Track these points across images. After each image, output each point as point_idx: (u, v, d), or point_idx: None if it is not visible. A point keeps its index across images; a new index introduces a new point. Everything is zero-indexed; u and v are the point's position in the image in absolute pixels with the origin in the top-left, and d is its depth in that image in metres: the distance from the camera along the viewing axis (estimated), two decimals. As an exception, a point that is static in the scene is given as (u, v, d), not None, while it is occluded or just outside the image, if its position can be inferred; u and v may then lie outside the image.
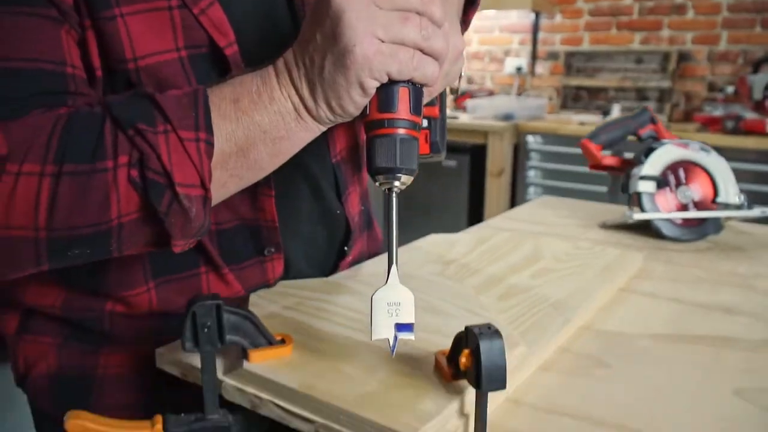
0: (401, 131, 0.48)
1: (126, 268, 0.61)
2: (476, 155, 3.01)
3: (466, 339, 0.45)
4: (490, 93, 3.57)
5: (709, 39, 3.02)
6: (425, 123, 0.60)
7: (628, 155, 1.07)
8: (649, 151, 1.00)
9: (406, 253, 0.84)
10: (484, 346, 0.43)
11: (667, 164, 0.99)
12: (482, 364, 0.43)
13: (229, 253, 0.65)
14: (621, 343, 0.63)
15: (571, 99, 3.34)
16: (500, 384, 0.43)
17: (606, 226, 1.06)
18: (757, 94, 2.55)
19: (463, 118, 3.15)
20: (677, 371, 0.57)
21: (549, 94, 3.47)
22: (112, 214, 0.48)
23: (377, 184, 0.50)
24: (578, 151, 3.03)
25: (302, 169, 0.68)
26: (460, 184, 3.02)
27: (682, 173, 1.00)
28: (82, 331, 0.64)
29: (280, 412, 0.49)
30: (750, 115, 2.51)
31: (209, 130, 0.49)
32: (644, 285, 0.80)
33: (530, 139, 2.98)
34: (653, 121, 1.07)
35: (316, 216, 0.71)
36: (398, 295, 0.47)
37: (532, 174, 3.01)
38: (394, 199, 0.49)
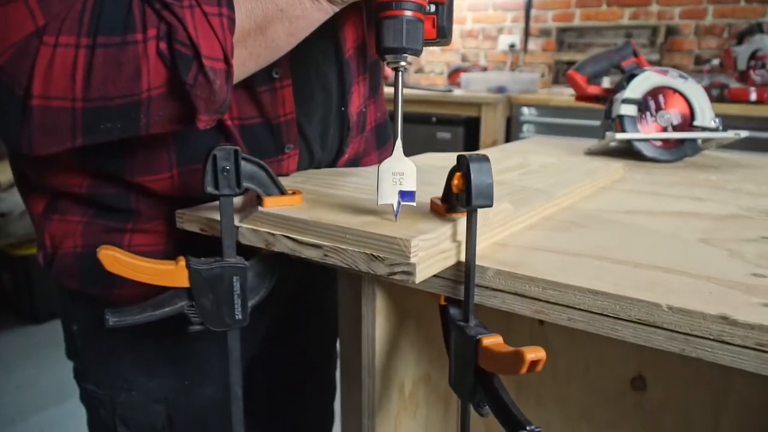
0: (408, 13, 0.54)
1: (151, 154, 0.65)
2: (470, 127, 3.07)
3: (458, 165, 0.51)
4: (484, 69, 3.63)
5: (695, 14, 3.10)
6: (432, 8, 0.64)
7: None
8: (630, 77, 1.06)
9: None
10: (474, 166, 0.49)
11: (647, 90, 1.05)
12: (472, 182, 0.48)
13: (252, 149, 0.69)
14: (599, 215, 0.69)
15: (563, 75, 3.40)
16: (488, 200, 0.49)
17: (591, 152, 1.12)
18: (741, 65, 2.61)
19: (457, 92, 3.21)
20: (649, 229, 0.64)
21: (541, 70, 3.54)
22: (142, 86, 0.52)
23: (385, 63, 0.55)
24: (572, 121, 3.06)
25: (314, 66, 0.73)
26: (454, 155, 3.09)
27: (661, 99, 1.06)
28: (108, 210, 0.68)
29: (292, 244, 0.54)
30: (735, 85, 2.58)
31: (230, 6, 0.53)
32: (624, 185, 0.86)
33: (524, 110, 3.04)
34: (635, 53, 1.13)
35: (326, 113, 0.76)
36: (402, 166, 0.53)
37: (524, 145, 3.07)
38: (401, 78, 0.55)
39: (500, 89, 3.08)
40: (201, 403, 0.74)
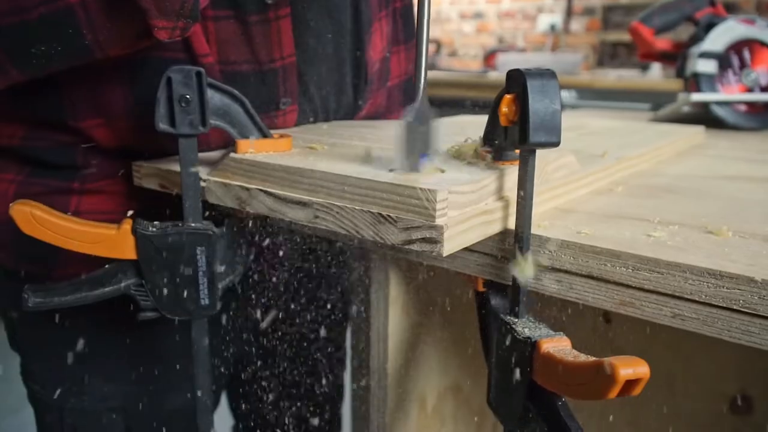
0: None
1: (100, 93, 0.50)
2: (506, 111, 2.89)
3: (509, 84, 0.35)
4: (522, 51, 3.43)
5: (757, -12, 2.85)
6: None
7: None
8: (709, 27, 0.88)
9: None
10: (533, 84, 0.33)
11: (729, 43, 0.87)
12: (530, 106, 0.32)
13: None
14: (690, 181, 0.52)
15: (608, 56, 3.19)
16: (553, 134, 0.33)
17: (658, 119, 0.94)
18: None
19: (493, 75, 3.02)
20: (764, 198, 0.47)
21: (584, 52, 3.32)
22: None
23: None
24: (617, 104, 2.85)
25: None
26: (489, 140, 2.90)
27: (746, 54, 0.87)
28: (47, 167, 0.53)
29: (271, 202, 0.39)
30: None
31: None
32: (708, 151, 0.69)
33: (564, 94, 2.84)
34: (712, 3, 0.95)
35: (337, 59, 0.60)
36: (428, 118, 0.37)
37: (564, 131, 2.88)
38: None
39: (540, 71, 2.88)
40: (171, 412, 0.59)
